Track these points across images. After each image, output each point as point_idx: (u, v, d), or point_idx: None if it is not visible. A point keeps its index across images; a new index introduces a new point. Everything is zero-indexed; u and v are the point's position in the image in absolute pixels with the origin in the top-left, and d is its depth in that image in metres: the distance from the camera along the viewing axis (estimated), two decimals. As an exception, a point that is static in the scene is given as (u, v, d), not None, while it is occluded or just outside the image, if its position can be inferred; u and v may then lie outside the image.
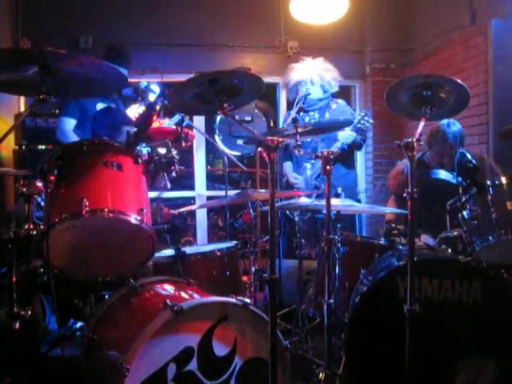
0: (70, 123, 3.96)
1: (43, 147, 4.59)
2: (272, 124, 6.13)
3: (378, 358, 2.74)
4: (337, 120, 4.30)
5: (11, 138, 4.62)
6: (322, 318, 2.85)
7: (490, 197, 2.80)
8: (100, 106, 4.25)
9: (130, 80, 3.86)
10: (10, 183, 4.57)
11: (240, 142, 5.60)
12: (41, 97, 2.31)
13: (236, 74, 2.50)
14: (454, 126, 3.88)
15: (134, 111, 4.58)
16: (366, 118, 4.51)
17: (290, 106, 4.78)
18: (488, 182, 2.83)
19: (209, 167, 6.72)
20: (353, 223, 4.75)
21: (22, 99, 5.46)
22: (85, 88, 2.53)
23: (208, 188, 6.43)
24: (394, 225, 3.46)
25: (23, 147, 4.59)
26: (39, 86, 2.29)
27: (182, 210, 4.18)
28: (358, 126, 4.51)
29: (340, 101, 4.86)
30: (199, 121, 5.82)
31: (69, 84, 2.40)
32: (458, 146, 3.85)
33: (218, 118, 5.83)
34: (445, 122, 3.85)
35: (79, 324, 3.19)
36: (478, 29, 5.03)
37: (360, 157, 6.51)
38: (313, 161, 4.74)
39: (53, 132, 4.48)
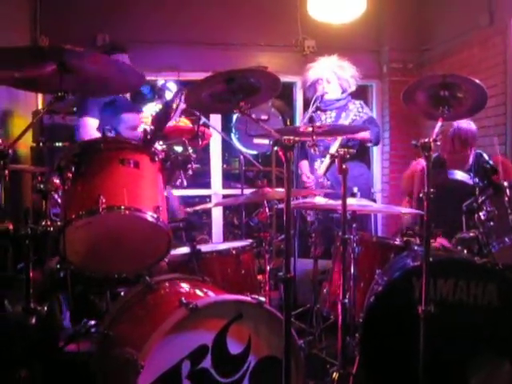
0: (93, 123, 3.98)
1: (60, 144, 4.63)
2: (288, 123, 6.16)
3: (392, 358, 2.73)
4: (341, 126, 4.27)
5: (29, 135, 4.67)
6: (337, 318, 2.85)
7: (506, 198, 2.79)
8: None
9: (147, 78, 3.89)
10: (27, 180, 4.61)
11: (256, 140, 5.61)
12: (59, 94, 2.33)
13: (253, 72, 2.51)
14: (461, 124, 3.82)
15: (151, 109, 4.59)
16: (360, 110, 4.51)
17: (307, 104, 4.76)
18: (505, 183, 2.82)
19: (225, 166, 6.73)
20: (368, 223, 4.73)
21: (40, 96, 5.51)
22: (102, 86, 2.55)
23: (224, 186, 6.45)
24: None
25: (41, 144, 4.63)
26: (57, 84, 2.31)
27: (197, 208, 4.19)
28: (354, 118, 4.50)
29: (357, 102, 4.83)
30: (216, 119, 5.83)
31: (86, 82, 2.42)
32: (461, 145, 3.80)
33: (235, 117, 5.84)
34: (460, 121, 3.81)
35: (94, 320, 3.22)
36: (496, 29, 5.00)
37: (376, 156, 6.49)
38: (323, 159, 4.72)
39: (70, 129, 4.51)
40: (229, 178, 7.02)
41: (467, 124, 3.82)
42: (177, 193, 4.31)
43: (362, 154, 4.72)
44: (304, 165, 4.89)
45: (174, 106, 2.93)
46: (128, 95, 4.35)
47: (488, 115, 4.80)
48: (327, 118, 4.74)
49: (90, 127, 3.93)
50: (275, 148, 2.13)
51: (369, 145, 4.83)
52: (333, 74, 4.72)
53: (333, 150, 4.42)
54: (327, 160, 4.62)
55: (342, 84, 4.74)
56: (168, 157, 2.70)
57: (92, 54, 2.31)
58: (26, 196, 4.60)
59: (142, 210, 2.44)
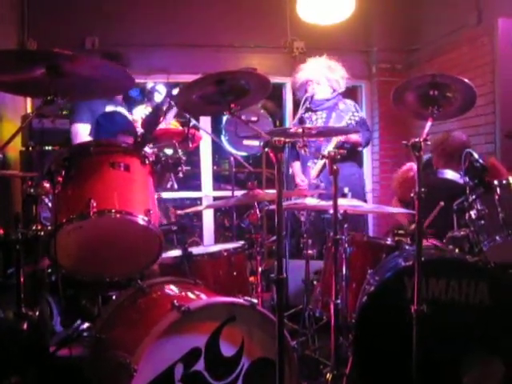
0: (84, 129, 3.96)
1: (50, 148, 4.60)
2: (278, 124, 6.16)
3: (385, 358, 2.73)
4: (333, 128, 4.28)
5: (18, 139, 4.64)
6: (329, 318, 2.85)
7: (497, 197, 2.80)
8: (109, 108, 4.26)
9: (137, 81, 3.87)
10: (17, 185, 4.58)
11: (246, 142, 5.60)
12: (48, 98, 2.31)
13: (243, 74, 2.51)
14: (452, 138, 3.87)
15: (141, 112, 4.57)
16: (355, 114, 4.53)
17: (297, 105, 4.77)
18: (495, 182, 2.83)
19: (215, 167, 6.72)
20: (359, 223, 4.73)
21: (29, 100, 5.48)
22: (92, 89, 2.54)
23: (214, 188, 6.45)
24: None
25: (30, 148, 4.60)
26: (46, 87, 2.30)
27: (188, 210, 4.18)
28: (349, 121, 4.52)
29: (348, 101, 4.83)
30: (205, 121, 5.83)
31: (76, 85, 2.41)
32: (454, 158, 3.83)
33: (224, 119, 5.83)
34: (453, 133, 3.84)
35: (86, 324, 3.20)
36: (484, 28, 5.02)
37: (366, 157, 6.50)
38: (316, 160, 4.73)
39: (60, 133, 4.49)
40: (219, 180, 7.02)
41: (458, 138, 3.86)
42: (167, 195, 4.30)
43: (353, 154, 4.72)
44: (296, 166, 4.89)
45: (164, 108, 2.92)
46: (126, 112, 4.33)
47: (477, 114, 4.82)
48: (318, 119, 4.75)
49: (82, 134, 3.93)
50: (266, 149, 2.12)
51: (359, 148, 4.84)
52: (322, 75, 4.73)
53: (325, 151, 4.43)
54: (320, 162, 4.63)
55: (332, 85, 4.75)
56: (158, 160, 2.69)
57: (81, 57, 2.30)
58: (16, 201, 4.58)
59: (133, 213, 2.43)
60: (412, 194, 2.46)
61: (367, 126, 4.91)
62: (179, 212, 4.03)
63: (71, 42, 5.44)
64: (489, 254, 2.75)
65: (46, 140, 4.56)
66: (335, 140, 4.49)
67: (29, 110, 5.44)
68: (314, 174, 4.70)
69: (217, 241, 6.27)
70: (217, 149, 6.54)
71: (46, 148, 4.55)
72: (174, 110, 3.12)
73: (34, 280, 2.67)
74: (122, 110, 4.32)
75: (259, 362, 2.40)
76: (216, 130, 6.11)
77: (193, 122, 2.92)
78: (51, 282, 3.01)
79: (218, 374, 2.33)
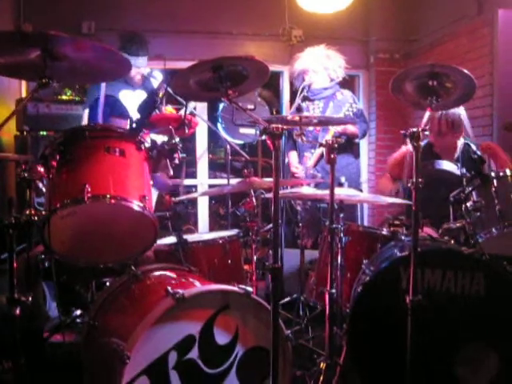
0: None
1: (45, 133, 4.58)
2: (275, 113, 6.13)
3: (379, 348, 2.73)
4: (330, 118, 4.26)
5: (13, 123, 4.61)
6: (323, 308, 2.84)
7: (493, 188, 2.79)
8: (125, 92, 4.25)
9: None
10: (11, 169, 4.56)
11: (243, 130, 5.58)
12: (43, 81, 2.29)
13: (240, 60, 2.48)
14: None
15: (137, 97, 4.54)
16: (353, 105, 4.52)
17: (295, 94, 4.75)
18: (492, 174, 2.82)
19: (210, 155, 6.69)
20: (355, 213, 4.73)
21: (24, 84, 5.44)
22: (88, 73, 2.51)
23: (209, 176, 6.42)
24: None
25: (25, 133, 4.58)
26: (41, 70, 2.27)
27: (182, 197, 4.16)
28: (347, 113, 4.50)
29: (346, 91, 4.81)
30: (202, 108, 5.80)
31: (72, 68, 2.38)
32: (448, 127, 3.80)
33: (221, 106, 5.80)
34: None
35: (80, 311, 3.19)
36: (484, 19, 5.00)
37: (363, 147, 6.48)
38: (313, 150, 4.72)
39: (55, 118, 4.47)
40: (214, 168, 6.99)
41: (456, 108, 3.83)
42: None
43: (350, 145, 4.72)
44: (292, 155, 4.88)
45: (160, 94, 2.90)
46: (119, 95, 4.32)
47: (475, 106, 4.81)
48: (315, 108, 4.73)
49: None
50: (263, 137, 2.11)
51: (356, 140, 4.83)
52: (319, 64, 4.71)
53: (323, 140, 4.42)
54: (317, 152, 4.62)
55: (330, 73, 4.73)
56: (154, 145, 2.67)
57: (77, 40, 2.27)
58: (10, 185, 4.55)
59: (128, 198, 2.41)
60: (409, 185, 2.46)
61: (364, 118, 4.90)
62: (174, 199, 4.02)
63: (68, 26, 5.39)
64: (484, 246, 2.74)
65: (40, 125, 4.54)
66: (332, 131, 4.48)
67: (23, 94, 5.40)
68: (311, 164, 4.69)
69: (211, 229, 6.25)
70: (212, 137, 6.51)
71: (41, 133, 4.53)
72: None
73: (28, 265, 2.66)
74: (141, 92, 4.30)
75: (253, 350, 2.39)
76: (212, 117, 6.08)
77: (189, 107, 2.90)
78: (45, 268, 2.99)
79: (212, 362, 2.32)
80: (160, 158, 2.71)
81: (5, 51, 2.25)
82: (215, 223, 6.62)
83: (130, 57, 4.16)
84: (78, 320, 2.99)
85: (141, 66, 4.31)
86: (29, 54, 2.25)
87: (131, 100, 4.33)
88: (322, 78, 4.72)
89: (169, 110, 3.74)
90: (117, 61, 2.45)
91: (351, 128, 4.59)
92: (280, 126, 2.06)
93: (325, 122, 3.80)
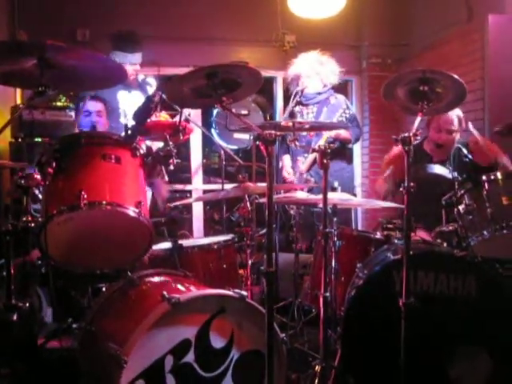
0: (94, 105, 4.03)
1: (40, 140, 4.58)
2: (268, 118, 6.15)
3: (373, 350, 2.75)
4: (324, 123, 4.29)
5: (7, 130, 4.60)
6: (318, 311, 2.86)
7: (485, 192, 2.82)
8: (122, 94, 4.28)
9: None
10: (6, 175, 4.56)
11: (237, 135, 5.61)
12: (39, 89, 2.31)
13: (234, 67, 2.51)
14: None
15: (133, 98, 4.58)
16: (347, 111, 4.54)
17: (288, 99, 4.77)
18: (484, 177, 2.85)
19: (204, 160, 6.72)
20: (348, 217, 4.76)
21: (19, 91, 5.44)
22: (84, 81, 2.53)
23: (204, 182, 6.44)
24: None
25: (20, 140, 4.59)
26: (38, 79, 2.30)
27: (177, 203, 4.18)
28: (340, 119, 4.53)
29: (339, 96, 4.84)
30: (196, 114, 5.82)
31: (67, 76, 2.40)
32: (456, 125, 3.85)
33: (215, 112, 5.83)
34: None
35: (76, 316, 3.20)
36: (474, 25, 5.04)
37: (356, 151, 6.52)
38: (306, 155, 4.75)
39: (49, 124, 4.48)
40: (208, 173, 7.01)
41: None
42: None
43: (343, 150, 4.75)
44: (286, 159, 4.91)
45: (155, 100, 2.92)
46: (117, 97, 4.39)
47: (466, 110, 4.84)
48: (309, 113, 4.76)
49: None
50: (257, 142, 2.13)
51: (349, 145, 4.86)
52: (312, 70, 4.73)
53: (316, 145, 4.45)
54: (310, 156, 4.65)
55: (322, 78, 4.76)
56: (149, 152, 2.69)
57: (73, 49, 2.30)
58: (5, 192, 4.55)
59: (124, 205, 2.44)
60: (401, 189, 2.49)
61: (357, 123, 4.92)
62: (169, 204, 4.04)
63: (62, 33, 5.42)
64: (476, 249, 2.77)
65: (35, 131, 4.55)
66: (325, 136, 4.51)
67: (18, 101, 5.41)
68: (304, 169, 4.71)
69: (206, 234, 6.27)
70: (206, 142, 6.53)
71: (36, 139, 4.53)
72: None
73: (24, 272, 2.67)
74: (137, 93, 4.34)
75: (248, 353, 2.42)
76: (206, 123, 6.10)
77: (184, 114, 2.92)
78: (41, 274, 3.00)
79: (208, 366, 2.34)
80: (155, 165, 2.74)
81: (0, 61, 2.27)
82: (210, 228, 6.64)
83: (124, 53, 4.21)
84: (75, 325, 3.00)
85: (136, 62, 4.35)
86: (25, 63, 2.27)
87: (128, 101, 4.37)
88: (315, 83, 4.74)
89: (163, 116, 3.76)
90: (112, 69, 2.48)
91: (344, 133, 4.62)
92: (273, 132, 2.09)
93: (317, 128, 3.83)
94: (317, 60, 4.75)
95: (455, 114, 3.85)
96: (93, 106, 4.15)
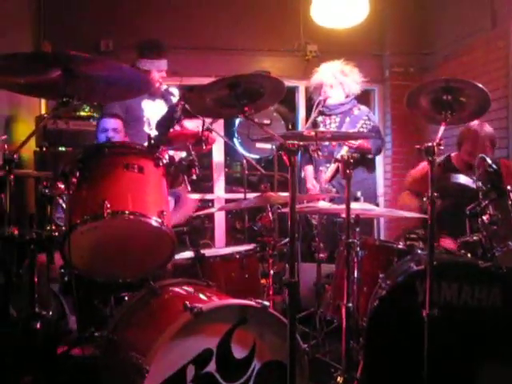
0: (112, 124, 4.07)
1: (64, 149, 4.64)
2: (290, 127, 6.15)
3: (396, 362, 2.73)
4: (346, 133, 4.28)
5: (32, 139, 4.66)
6: (340, 322, 2.85)
7: (510, 202, 2.79)
8: (146, 103, 4.33)
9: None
10: (31, 185, 4.62)
11: (259, 145, 5.61)
12: (63, 100, 2.34)
13: (257, 77, 2.52)
14: (485, 126, 3.87)
15: (157, 107, 4.62)
16: (367, 122, 4.52)
17: (310, 109, 4.78)
18: (508, 188, 2.82)
19: (226, 169, 6.74)
20: (371, 227, 4.74)
21: (43, 101, 5.52)
22: (108, 91, 2.56)
23: (226, 191, 6.45)
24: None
25: (44, 149, 4.64)
26: (62, 89, 2.33)
27: (200, 213, 4.19)
28: (361, 129, 4.51)
29: (363, 107, 4.81)
30: (218, 124, 5.83)
31: (92, 87, 2.43)
32: (490, 146, 3.84)
33: (237, 122, 5.85)
34: (476, 122, 3.83)
35: (98, 325, 3.22)
36: (498, 32, 5.00)
37: (378, 160, 6.48)
38: (328, 165, 4.74)
39: (73, 134, 4.53)
40: (231, 183, 7.03)
41: (489, 127, 3.88)
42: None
43: (364, 159, 4.73)
44: (309, 170, 4.90)
45: (178, 111, 2.94)
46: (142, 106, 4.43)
47: (490, 118, 4.80)
48: (331, 123, 4.76)
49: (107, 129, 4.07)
50: (280, 152, 2.14)
51: (369, 156, 4.82)
52: (334, 79, 4.73)
53: (338, 155, 4.44)
54: (333, 166, 4.64)
55: (345, 88, 4.75)
56: (172, 162, 2.70)
57: (97, 60, 2.32)
58: (30, 201, 4.61)
59: (147, 214, 2.44)
60: (424, 199, 2.47)
61: (380, 134, 4.90)
62: (192, 214, 4.05)
63: (86, 44, 5.49)
64: (501, 259, 2.74)
65: (59, 141, 4.60)
66: (346, 147, 4.49)
67: (43, 111, 5.48)
68: (327, 178, 4.71)
69: (228, 243, 6.27)
70: (228, 151, 6.55)
71: (60, 149, 4.59)
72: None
73: (48, 280, 2.69)
74: (161, 102, 4.39)
75: (270, 364, 2.40)
76: (228, 132, 6.12)
77: (207, 124, 2.94)
78: (64, 283, 3.03)
79: (229, 376, 2.34)
80: (178, 174, 2.75)
81: (26, 71, 2.30)
82: (232, 237, 6.64)
83: (151, 60, 4.27)
84: (97, 334, 3.02)
85: (162, 68, 4.40)
86: (50, 74, 2.30)
87: (152, 110, 4.40)
88: (338, 92, 4.74)
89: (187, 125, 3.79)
90: (136, 79, 2.50)
91: (365, 144, 4.60)
92: (296, 142, 2.09)
93: (340, 137, 3.82)
94: (340, 70, 4.74)
95: (488, 136, 3.84)
96: (109, 123, 4.19)
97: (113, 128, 4.20)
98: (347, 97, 4.76)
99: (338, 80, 4.71)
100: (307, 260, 4.67)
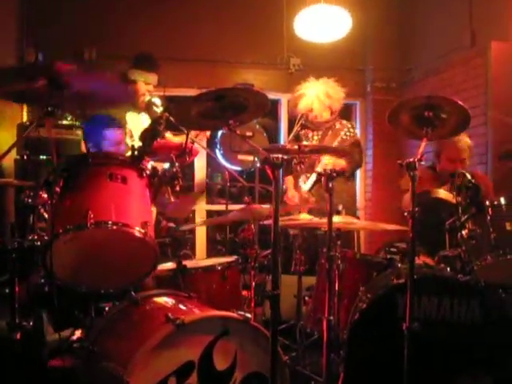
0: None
1: (45, 158, 4.60)
2: (273, 140, 6.17)
3: (376, 375, 2.74)
4: (329, 147, 4.29)
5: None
6: (321, 334, 2.86)
7: (489, 217, 2.83)
8: (131, 113, 4.34)
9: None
10: (10, 193, 4.58)
11: (241, 156, 5.63)
12: (48, 109, 2.34)
13: (242, 91, 2.53)
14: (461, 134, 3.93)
15: (141, 121, 4.61)
16: (347, 133, 4.54)
17: (293, 121, 4.78)
18: (487, 203, 2.86)
19: (207, 181, 6.74)
20: (352, 239, 4.75)
21: (25, 109, 5.48)
22: (91, 101, 2.56)
23: (207, 202, 6.45)
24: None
25: (25, 157, 4.61)
26: (47, 99, 2.32)
27: (185, 227, 4.16)
28: (344, 137, 4.52)
29: (344, 122, 4.84)
30: (201, 135, 5.84)
31: (76, 97, 2.44)
32: (468, 152, 3.90)
33: (219, 133, 5.86)
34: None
35: (77, 335, 3.19)
36: (477, 50, 5.10)
37: (359, 174, 6.54)
38: (308, 174, 4.75)
39: (55, 142, 4.50)
40: (211, 194, 7.03)
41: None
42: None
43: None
44: (289, 181, 4.91)
45: (162, 122, 2.94)
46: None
47: (469, 134, 4.86)
48: (314, 136, 4.77)
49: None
50: (264, 165, 2.15)
51: (346, 174, 4.81)
52: (322, 105, 4.72)
53: (319, 168, 4.46)
54: (313, 177, 4.65)
55: (331, 109, 4.75)
56: (155, 173, 2.71)
57: (83, 70, 2.33)
58: (10, 210, 4.57)
59: (130, 225, 2.44)
60: (405, 214, 2.51)
61: (360, 149, 4.89)
62: (171, 225, 4.04)
63: (70, 52, 5.48)
64: (480, 274, 2.77)
65: (41, 149, 4.56)
66: (321, 165, 4.50)
67: (25, 118, 5.45)
68: (306, 189, 4.72)
69: (209, 254, 6.26)
70: (209, 162, 6.56)
71: (41, 157, 4.55)
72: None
73: (29, 290, 2.68)
74: (145, 116, 4.39)
75: (252, 376, 2.40)
76: (211, 143, 6.13)
77: (190, 136, 2.94)
78: (43, 293, 3.00)
79: (211, 388, 2.34)
80: (161, 185, 2.75)
81: (11, 81, 2.30)
82: (212, 249, 6.63)
83: (141, 71, 4.30)
84: (77, 345, 3.00)
85: (150, 82, 4.43)
86: (34, 83, 2.30)
87: (136, 123, 4.40)
88: (325, 114, 4.74)
89: (169, 137, 3.78)
90: (119, 90, 2.51)
91: (341, 163, 4.56)
92: (280, 156, 2.11)
93: (322, 151, 3.84)
94: (325, 92, 4.73)
95: (466, 142, 3.90)
96: (111, 134, 4.19)
97: (116, 141, 4.21)
98: (332, 114, 4.78)
99: (325, 104, 4.71)
100: (286, 272, 4.67)
